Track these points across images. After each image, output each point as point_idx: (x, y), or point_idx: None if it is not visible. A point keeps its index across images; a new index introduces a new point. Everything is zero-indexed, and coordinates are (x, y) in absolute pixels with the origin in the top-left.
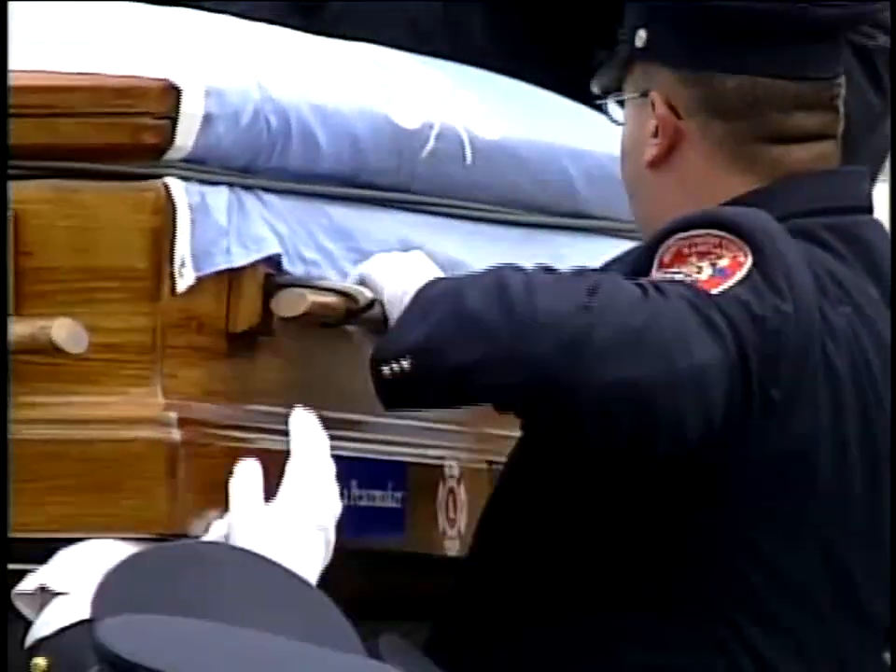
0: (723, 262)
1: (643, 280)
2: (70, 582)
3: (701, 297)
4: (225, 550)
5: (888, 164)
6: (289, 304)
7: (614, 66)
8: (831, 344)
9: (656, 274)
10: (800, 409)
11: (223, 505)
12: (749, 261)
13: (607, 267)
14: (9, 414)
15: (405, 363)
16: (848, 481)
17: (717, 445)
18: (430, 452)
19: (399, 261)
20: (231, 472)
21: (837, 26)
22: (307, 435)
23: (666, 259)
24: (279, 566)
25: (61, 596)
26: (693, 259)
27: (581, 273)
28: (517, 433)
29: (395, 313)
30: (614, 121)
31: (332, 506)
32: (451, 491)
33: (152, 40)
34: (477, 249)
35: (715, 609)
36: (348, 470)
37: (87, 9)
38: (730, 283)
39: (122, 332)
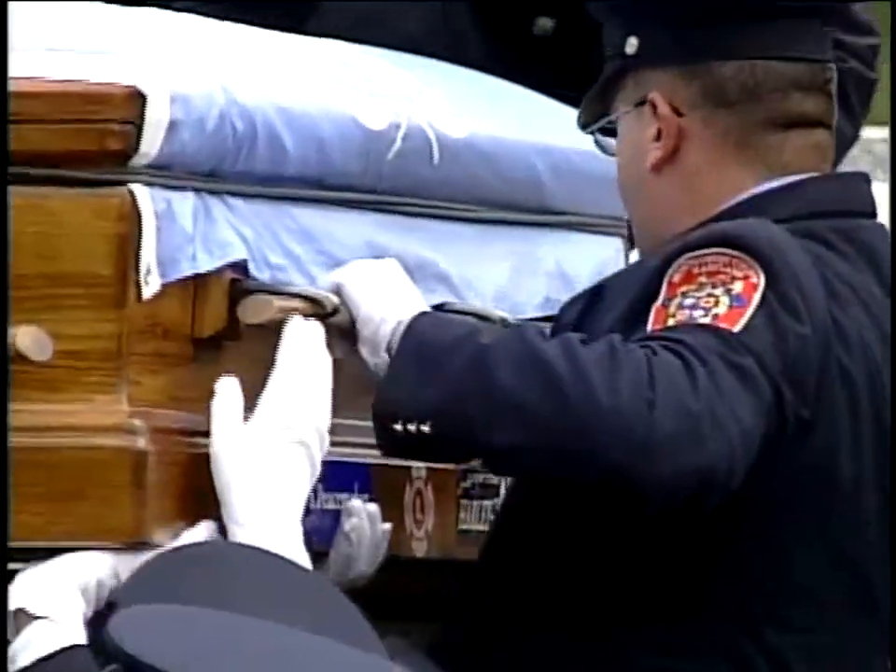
0: (737, 287)
1: (675, 337)
2: (50, 606)
3: (729, 344)
4: (237, 549)
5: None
6: (255, 311)
7: (600, 90)
8: (843, 351)
9: (673, 308)
10: (822, 421)
11: (190, 512)
12: (763, 281)
13: (609, 282)
14: (9, 419)
15: (425, 427)
16: (864, 482)
17: (751, 473)
18: None
19: (374, 274)
20: (198, 480)
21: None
22: (296, 345)
23: (676, 279)
24: (291, 562)
25: (41, 621)
26: (703, 279)
27: (623, 350)
28: None
29: (366, 331)
30: (606, 152)
31: (314, 420)
32: (418, 492)
33: (117, 44)
34: (444, 248)
35: (730, 615)
36: None
37: (51, 12)
38: (749, 313)
39: (87, 339)
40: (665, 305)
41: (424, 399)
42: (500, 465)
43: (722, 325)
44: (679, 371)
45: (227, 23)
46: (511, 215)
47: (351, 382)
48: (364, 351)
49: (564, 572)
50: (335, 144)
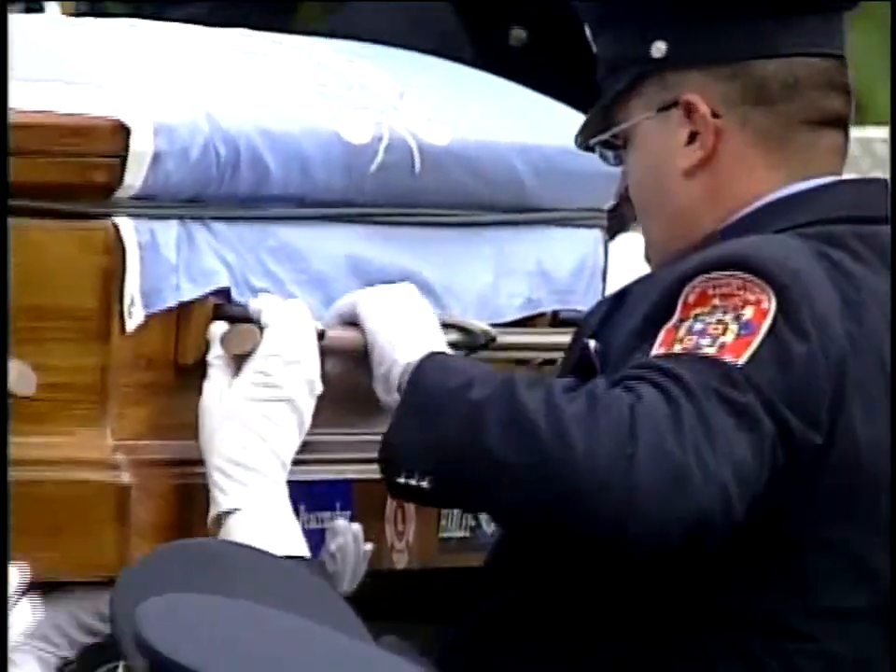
0: (748, 313)
1: (674, 372)
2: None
3: (730, 379)
4: (234, 548)
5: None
6: (240, 341)
7: (609, 101)
8: (859, 364)
9: (682, 332)
10: (840, 440)
11: None
12: (773, 306)
13: (632, 288)
14: (9, 429)
15: (424, 483)
16: (884, 494)
17: (764, 502)
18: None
19: (391, 304)
20: (182, 511)
21: None
22: (279, 316)
23: (691, 300)
24: (286, 561)
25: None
26: (717, 301)
27: (604, 401)
28: None
29: (380, 371)
30: (611, 163)
31: (301, 373)
32: (400, 505)
33: (101, 73)
34: (427, 255)
35: (748, 626)
36: (296, 495)
37: (35, 35)
38: (756, 342)
39: (71, 372)
40: (675, 327)
41: (422, 456)
42: (501, 523)
43: (727, 357)
44: (664, 416)
45: (206, 30)
46: (492, 216)
47: (333, 397)
48: (378, 389)
49: (573, 578)
50: (318, 162)
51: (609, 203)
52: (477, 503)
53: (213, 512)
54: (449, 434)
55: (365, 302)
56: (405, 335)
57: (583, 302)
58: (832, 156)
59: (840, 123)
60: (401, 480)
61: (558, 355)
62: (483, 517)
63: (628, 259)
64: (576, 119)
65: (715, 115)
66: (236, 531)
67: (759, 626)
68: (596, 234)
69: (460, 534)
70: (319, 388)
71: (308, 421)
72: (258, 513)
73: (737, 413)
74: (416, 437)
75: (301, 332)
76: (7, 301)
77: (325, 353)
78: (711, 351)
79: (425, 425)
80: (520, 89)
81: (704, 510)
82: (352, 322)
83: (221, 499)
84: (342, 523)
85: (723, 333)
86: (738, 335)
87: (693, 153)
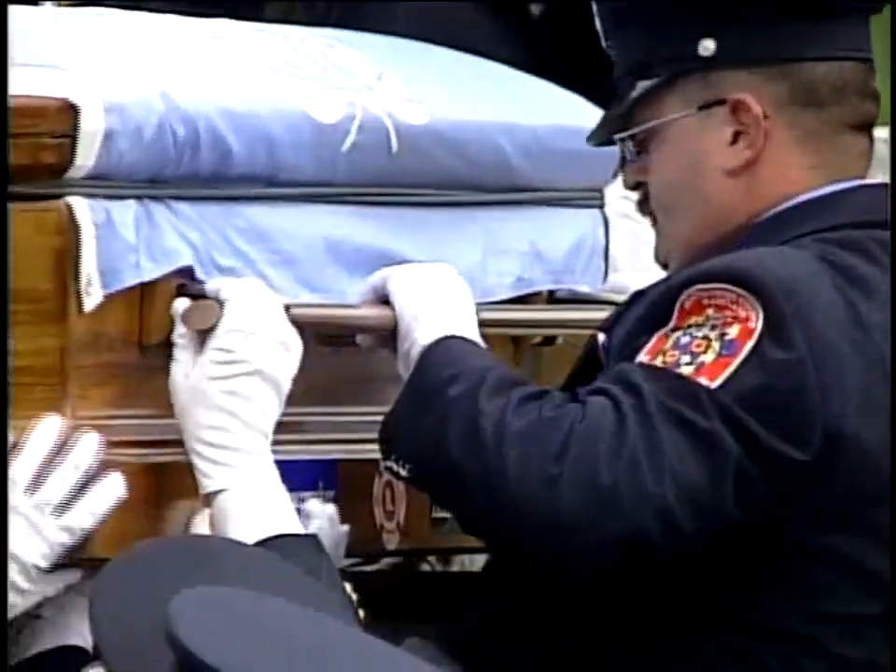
0: (733, 332)
1: (633, 388)
2: None
3: (696, 402)
4: (221, 543)
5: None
6: (201, 317)
7: (641, 94)
8: (863, 373)
9: (669, 345)
10: (844, 452)
11: (139, 524)
12: (760, 326)
13: (645, 289)
14: (9, 419)
15: (403, 472)
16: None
17: (763, 520)
18: (366, 447)
19: (422, 283)
20: (146, 491)
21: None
22: (235, 285)
23: (687, 307)
24: (276, 557)
25: None
26: (711, 312)
27: (548, 417)
28: None
29: (402, 348)
30: (630, 159)
31: (268, 342)
32: (388, 484)
33: (52, 55)
34: (410, 236)
35: (754, 632)
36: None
37: None
38: (735, 364)
39: (31, 355)
40: (666, 336)
41: (405, 444)
42: (459, 525)
43: (701, 379)
44: (608, 433)
45: (180, 18)
46: (480, 196)
47: (318, 375)
48: (400, 367)
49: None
50: (285, 141)
51: (607, 184)
52: (440, 499)
53: (201, 492)
54: (424, 427)
55: (396, 278)
56: (431, 314)
57: (581, 282)
58: (862, 160)
59: (870, 128)
60: (389, 463)
61: (556, 331)
62: None
63: None
64: (570, 100)
65: (765, 115)
66: (224, 511)
67: (759, 629)
68: (595, 214)
69: None
70: (296, 346)
71: (287, 383)
72: (243, 492)
73: (696, 436)
74: (404, 425)
75: (260, 304)
76: (7, 297)
77: (302, 329)
78: (688, 371)
79: (413, 414)
80: (511, 71)
81: (635, 529)
82: (384, 299)
83: (205, 482)
84: (314, 505)
85: (705, 352)
86: (719, 355)
87: (739, 153)
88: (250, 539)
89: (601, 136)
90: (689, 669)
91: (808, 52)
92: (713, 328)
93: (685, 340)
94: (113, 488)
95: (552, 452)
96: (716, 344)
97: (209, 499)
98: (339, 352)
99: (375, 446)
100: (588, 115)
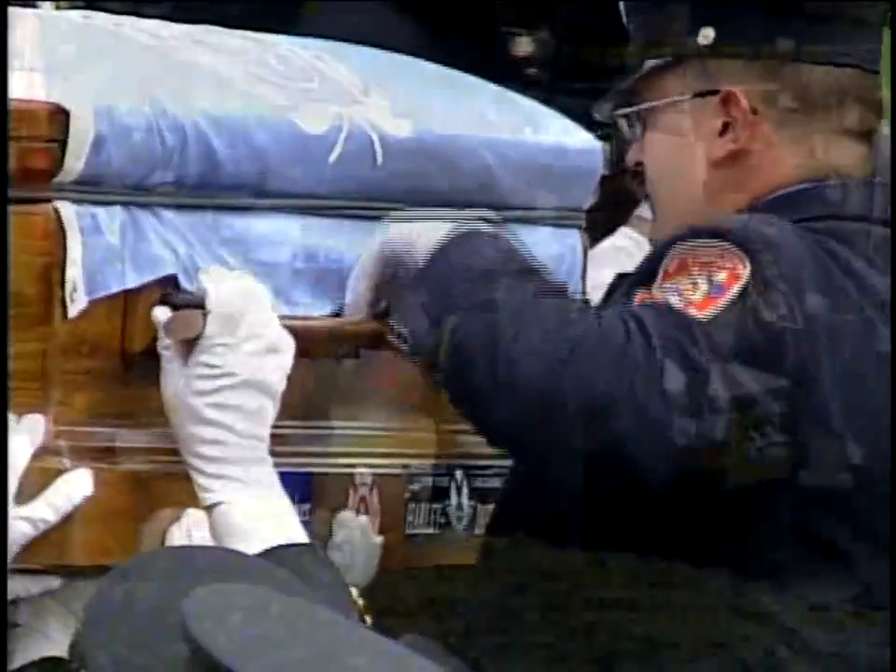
0: (720, 277)
1: (636, 314)
2: None
3: (686, 330)
4: (215, 552)
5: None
6: (183, 328)
7: (644, 75)
8: (837, 346)
9: (657, 292)
10: (811, 415)
11: (119, 532)
12: (747, 272)
13: (632, 279)
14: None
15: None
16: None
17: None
18: (340, 460)
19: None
20: (127, 498)
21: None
22: (219, 288)
23: (671, 269)
24: (268, 564)
25: None
26: (695, 270)
27: (569, 305)
28: (433, 435)
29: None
30: (626, 137)
31: (255, 350)
32: (362, 499)
33: (45, 59)
34: None
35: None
36: None
37: None
38: (722, 303)
39: (14, 359)
40: (652, 294)
41: (423, 335)
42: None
43: (689, 311)
44: (615, 342)
45: (169, 24)
46: (459, 212)
47: (293, 389)
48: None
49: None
50: (271, 150)
51: (587, 203)
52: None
53: (202, 504)
54: (439, 313)
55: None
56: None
57: None
58: (858, 167)
59: (870, 137)
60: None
61: None
62: (453, 514)
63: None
64: (552, 117)
65: (753, 111)
66: (225, 523)
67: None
68: (574, 235)
69: (428, 531)
70: (287, 345)
71: (280, 384)
72: (243, 504)
73: (683, 357)
74: (415, 316)
75: (245, 308)
76: (7, 298)
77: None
78: (678, 306)
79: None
80: (495, 88)
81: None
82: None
83: (205, 495)
84: (347, 514)
85: (693, 292)
86: (707, 294)
87: (724, 144)
88: (251, 549)
89: (607, 110)
90: None
91: (805, 54)
92: (700, 276)
93: (672, 288)
94: (80, 485)
95: (566, 344)
96: (704, 286)
97: (210, 511)
98: (317, 365)
99: (350, 460)
100: (574, 133)
